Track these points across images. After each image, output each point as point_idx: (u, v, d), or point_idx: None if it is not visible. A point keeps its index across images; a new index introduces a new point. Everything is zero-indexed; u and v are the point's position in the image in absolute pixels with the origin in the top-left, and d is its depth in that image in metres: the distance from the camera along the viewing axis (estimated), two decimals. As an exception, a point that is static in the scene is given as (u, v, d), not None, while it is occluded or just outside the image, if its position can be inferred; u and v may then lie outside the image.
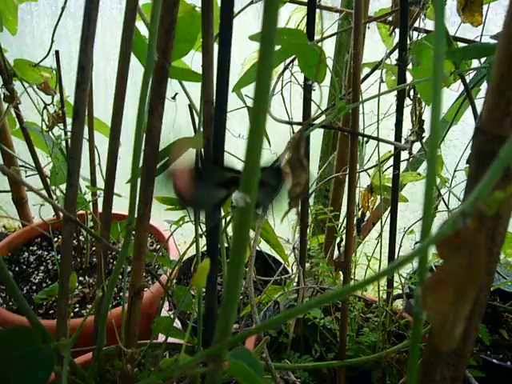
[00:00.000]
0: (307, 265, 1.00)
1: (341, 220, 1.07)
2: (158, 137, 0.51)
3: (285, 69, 0.75)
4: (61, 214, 1.24)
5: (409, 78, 0.83)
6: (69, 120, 1.11)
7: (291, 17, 1.12)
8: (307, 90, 0.70)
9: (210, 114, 0.52)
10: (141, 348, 0.54)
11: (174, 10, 0.44)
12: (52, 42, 0.89)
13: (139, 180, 0.54)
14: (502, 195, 0.19)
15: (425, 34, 0.79)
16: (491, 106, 0.32)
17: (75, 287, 0.46)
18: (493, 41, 0.68)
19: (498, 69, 0.30)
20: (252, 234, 0.79)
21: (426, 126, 1.02)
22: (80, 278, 1.20)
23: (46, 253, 1.31)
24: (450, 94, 1.01)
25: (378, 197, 1.13)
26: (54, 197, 1.15)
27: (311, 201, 1.41)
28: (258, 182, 0.25)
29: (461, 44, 0.91)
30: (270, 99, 0.76)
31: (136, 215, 0.55)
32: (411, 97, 0.92)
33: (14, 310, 1.05)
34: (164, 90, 0.48)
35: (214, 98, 0.52)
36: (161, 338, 0.95)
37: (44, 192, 1.21)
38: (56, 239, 1.28)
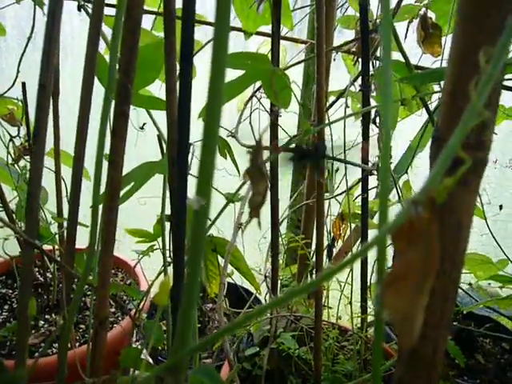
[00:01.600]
0: (280, 295, 0.99)
1: (313, 248, 1.07)
2: (122, 159, 0.50)
3: (252, 95, 0.76)
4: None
5: (373, 104, 0.86)
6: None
7: (258, 50, 1.14)
8: (274, 115, 0.71)
9: (174, 136, 0.52)
10: (103, 377, 0.52)
11: (136, 32, 0.44)
12: (18, 71, 0.88)
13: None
14: (451, 181, 0.19)
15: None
16: (446, 115, 0.33)
17: (34, 314, 0.44)
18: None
19: (450, 75, 0.31)
20: (222, 261, 0.77)
21: (394, 153, 1.05)
22: (46, 316, 1.15)
23: (10, 291, 1.26)
24: (418, 120, 1.04)
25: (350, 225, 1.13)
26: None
27: (283, 230, 1.41)
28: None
29: (422, 73, 0.94)
30: (237, 126, 0.77)
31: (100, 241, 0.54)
32: (377, 124, 0.94)
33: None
34: (127, 110, 0.47)
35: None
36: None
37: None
38: (21, 277, 1.24)
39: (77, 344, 1.06)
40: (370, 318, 0.95)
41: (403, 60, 0.77)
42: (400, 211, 0.20)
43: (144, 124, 0.88)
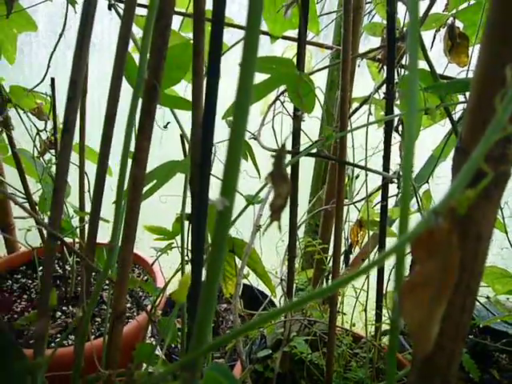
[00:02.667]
0: (295, 298, 0.99)
1: (330, 253, 1.07)
2: (146, 157, 0.51)
3: (276, 99, 0.77)
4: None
5: (397, 112, 0.85)
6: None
7: (284, 53, 1.15)
8: (297, 119, 0.72)
9: (198, 136, 0.53)
10: (119, 370, 0.53)
11: (166, 32, 0.45)
12: (48, 67, 0.90)
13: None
14: (473, 193, 0.19)
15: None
16: (470, 126, 0.33)
17: (55, 305, 0.45)
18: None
19: (475, 87, 0.31)
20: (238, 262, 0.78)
21: (415, 162, 1.04)
22: (63, 308, 1.17)
23: (30, 281, 1.28)
24: (440, 129, 1.03)
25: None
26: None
27: (300, 235, 1.41)
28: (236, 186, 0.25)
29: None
30: (260, 129, 0.78)
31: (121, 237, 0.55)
32: (399, 132, 0.94)
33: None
34: (154, 110, 0.48)
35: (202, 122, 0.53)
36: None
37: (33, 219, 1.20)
38: (41, 268, 1.27)
39: (92, 337, 1.08)
40: (384, 327, 0.94)
41: (429, 69, 0.77)
42: (420, 220, 0.20)
43: (168, 123, 0.89)
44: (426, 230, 0.20)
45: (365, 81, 1.21)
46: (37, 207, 1.20)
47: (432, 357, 0.34)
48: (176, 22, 1.08)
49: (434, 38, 1.04)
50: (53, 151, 1.08)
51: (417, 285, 0.22)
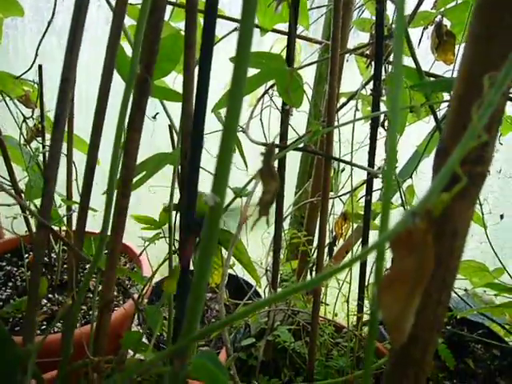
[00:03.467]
0: (279, 289, 1.01)
1: (314, 245, 1.09)
2: (137, 149, 0.52)
3: (264, 93, 0.78)
4: (33, 229, 1.23)
5: (383, 108, 0.87)
6: (48, 135, 1.11)
7: (273, 46, 1.15)
8: (285, 113, 0.73)
9: (189, 128, 0.54)
10: (107, 357, 0.54)
11: (159, 26, 0.45)
12: (36, 55, 0.90)
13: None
14: (448, 197, 0.20)
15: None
16: (450, 129, 0.35)
17: (44, 294, 0.46)
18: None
19: (457, 91, 0.33)
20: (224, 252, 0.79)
21: (399, 157, 1.06)
22: (49, 296, 1.18)
23: (15, 269, 1.28)
24: (424, 125, 1.06)
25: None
26: (27, 212, 1.14)
27: (286, 226, 1.42)
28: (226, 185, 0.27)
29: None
30: (248, 122, 0.79)
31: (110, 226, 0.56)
32: (385, 127, 0.96)
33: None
34: (145, 103, 0.49)
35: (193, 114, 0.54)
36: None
37: (18, 206, 1.20)
38: (27, 255, 1.27)
39: (77, 324, 1.09)
40: (365, 317, 0.97)
41: (415, 66, 0.78)
42: (399, 220, 0.22)
43: (157, 114, 0.89)
44: (404, 229, 0.21)
45: (353, 74, 1.23)
46: (22, 195, 1.20)
47: (407, 347, 0.36)
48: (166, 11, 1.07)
49: (422, 35, 1.06)
50: (40, 139, 1.07)
51: (395, 280, 0.23)
